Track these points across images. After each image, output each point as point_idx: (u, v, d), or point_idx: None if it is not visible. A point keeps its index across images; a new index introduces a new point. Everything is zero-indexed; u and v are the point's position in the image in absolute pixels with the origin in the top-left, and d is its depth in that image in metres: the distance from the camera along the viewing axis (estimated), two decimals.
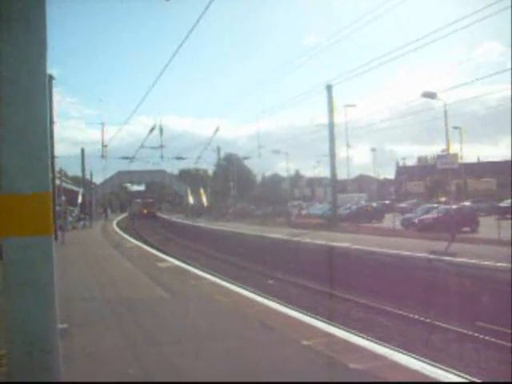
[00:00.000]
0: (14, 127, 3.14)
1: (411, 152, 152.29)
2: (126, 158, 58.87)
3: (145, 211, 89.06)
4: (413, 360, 5.85)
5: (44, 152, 3.22)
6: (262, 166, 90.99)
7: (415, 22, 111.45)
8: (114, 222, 57.23)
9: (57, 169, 35.62)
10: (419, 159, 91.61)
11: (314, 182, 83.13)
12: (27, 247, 3.12)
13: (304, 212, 53.34)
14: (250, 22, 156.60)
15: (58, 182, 35.95)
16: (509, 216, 29.60)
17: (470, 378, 6.68)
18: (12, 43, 3.19)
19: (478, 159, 79.01)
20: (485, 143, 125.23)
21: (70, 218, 45.59)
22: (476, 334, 10.83)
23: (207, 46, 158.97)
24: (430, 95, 28.02)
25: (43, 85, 3.26)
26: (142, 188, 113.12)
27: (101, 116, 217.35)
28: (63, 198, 37.73)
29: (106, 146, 58.07)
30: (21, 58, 3.18)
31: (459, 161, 32.13)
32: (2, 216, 3.15)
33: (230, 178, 70.90)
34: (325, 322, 8.36)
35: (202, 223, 49.35)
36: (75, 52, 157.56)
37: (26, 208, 3.14)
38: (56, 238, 21.43)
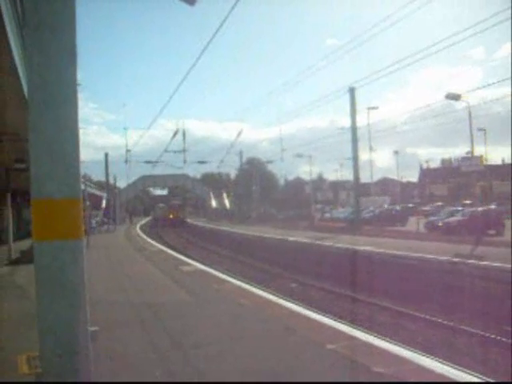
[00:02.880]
0: (45, 134, 3.20)
1: (434, 155, 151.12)
2: (149, 162, 59.59)
3: (171, 216, 74.11)
4: (438, 364, 5.80)
5: (74, 158, 3.28)
6: (285, 170, 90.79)
7: (438, 23, 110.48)
8: (138, 226, 57.66)
9: (81, 174, 36.00)
10: (443, 161, 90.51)
11: (336, 186, 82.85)
12: (58, 251, 3.18)
13: (327, 215, 53.16)
14: (272, 26, 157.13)
15: (82, 186, 36.35)
16: None
17: (496, 382, 6.59)
18: (42, 51, 3.23)
19: (503, 161, 77.87)
20: (509, 145, 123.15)
21: (94, 222, 46.07)
22: (504, 339, 10.68)
23: (228, 50, 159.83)
24: (454, 97, 27.80)
25: (73, 91, 3.32)
26: (164, 192, 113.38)
27: (122, 121, 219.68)
28: (87, 202, 38.13)
29: (129, 150, 58.80)
30: (51, 65, 3.23)
31: (484, 163, 31.75)
32: (33, 221, 3.23)
33: (253, 182, 71.01)
34: (348, 325, 8.35)
35: (224, 227, 49.47)
36: (96, 57, 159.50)
37: (57, 213, 3.20)
38: None
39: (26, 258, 17.79)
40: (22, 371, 5.70)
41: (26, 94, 9.98)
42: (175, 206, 79.35)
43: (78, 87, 3.43)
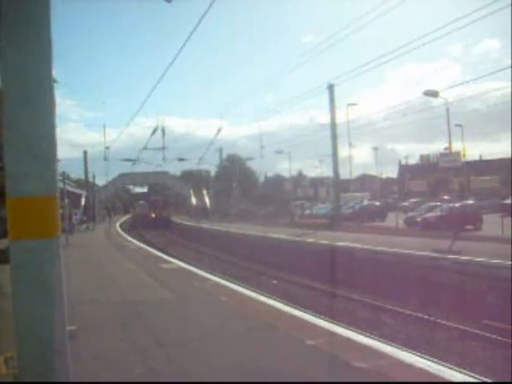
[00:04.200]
0: (21, 131, 3.15)
1: (413, 150, 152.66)
2: (128, 160, 58.81)
3: (153, 215, 64.38)
4: (417, 358, 5.85)
5: (51, 155, 3.23)
6: (265, 167, 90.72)
7: (416, 20, 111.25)
8: (117, 224, 57.18)
9: (59, 172, 35.56)
10: (421, 157, 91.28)
11: (316, 182, 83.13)
12: (35, 250, 3.12)
13: (307, 212, 53.34)
14: (250, 23, 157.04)
15: (61, 184, 35.90)
16: None
17: (475, 376, 6.67)
18: (17, 47, 3.18)
19: (480, 157, 78.82)
20: (487, 140, 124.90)
21: (74, 221, 45.54)
22: (482, 333, 10.82)
23: (207, 47, 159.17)
24: (432, 94, 28.04)
25: (49, 88, 3.27)
26: (144, 190, 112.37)
27: (100, 118, 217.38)
28: (67, 200, 37.71)
29: (108, 147, 58.29)
30: (26, 61, 3.18)
31: (462, 159, 32.17)
32: (9, 219, 3.17)
33: (233, 179, 70.95)
34: (328, 321, 8.38)
35: (205, 224, 49.30)
36: (73, 54, 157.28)
37: (34, 211, 3.14)
38: None
39: (2, 257, 17.54)
40: (0, 372, 5.61)
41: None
42: (158, 202, 68.18)
43: (55, 84, 3.38)
